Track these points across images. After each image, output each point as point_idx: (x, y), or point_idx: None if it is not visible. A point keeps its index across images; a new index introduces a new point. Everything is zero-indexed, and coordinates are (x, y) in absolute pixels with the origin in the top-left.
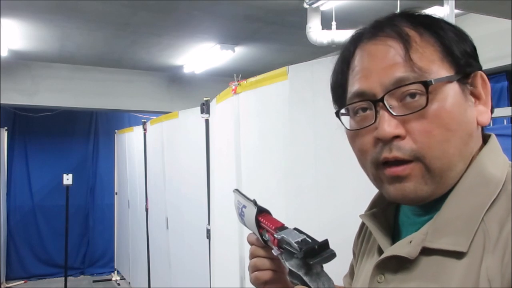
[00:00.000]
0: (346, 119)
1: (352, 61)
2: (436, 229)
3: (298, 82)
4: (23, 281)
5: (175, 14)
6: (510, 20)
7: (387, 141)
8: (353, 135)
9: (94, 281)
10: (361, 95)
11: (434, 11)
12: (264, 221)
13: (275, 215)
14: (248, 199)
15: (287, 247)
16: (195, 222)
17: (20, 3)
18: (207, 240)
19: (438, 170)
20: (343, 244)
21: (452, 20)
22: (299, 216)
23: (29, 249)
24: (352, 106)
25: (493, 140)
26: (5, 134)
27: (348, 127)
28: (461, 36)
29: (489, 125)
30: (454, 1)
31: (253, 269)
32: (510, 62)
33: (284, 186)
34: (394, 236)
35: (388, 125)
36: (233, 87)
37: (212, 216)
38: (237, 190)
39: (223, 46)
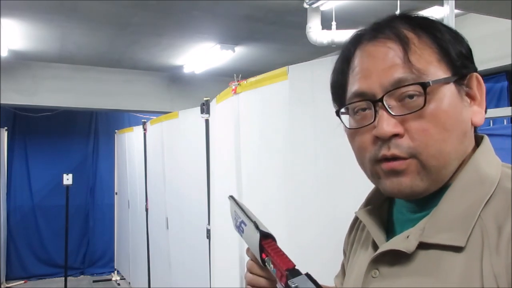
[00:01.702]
0: (345, 118)
1: (352, 61)
2: (433, 224)
3: (298, 82)
4: (23, 281)
5: (175, 14)
6: (510, 20)
7: (386, 139)
8: (353, 133)
9: (94, 281)
10: (361, 95)
11: (434, 11)
12: (272, 253)
13: (276, 215)
14: (248, 216)
15: None
16: (195, 222)
17: (20, 3)
18: (207, 240)
19: (434, 168)
20: (343, 243)
21: (452, 20)
22: (299, 216)
23: (29, 249)
24: (352, 105)
25: (486, 141)
26: (5, 134)
27: (348, 126)
28: (457, 38)
29: (489, 125)
30: (454, 1)
31: (248, 283)
32: (510, 62)
33: (284, 186)
34: (388, 232)
35: (387, 124)
36: (233, 87)
37: (212, 216)
38: (232, 197)
39: (223, 46)
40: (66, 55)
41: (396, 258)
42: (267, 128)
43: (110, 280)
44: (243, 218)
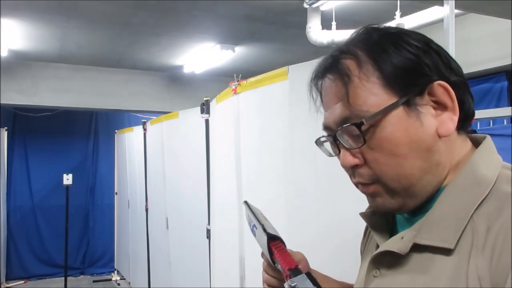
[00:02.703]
0: (328, 144)
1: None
2: (427, 226)
3: (298, 82)
4: (23, 281)
5: (175, 14)
6: (510, 20)
7: (349, 169)
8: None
9: (94, 281)
10: (326, 129)
11: (435, 11)
12: (277, 253)
13: (276, 215)
14: (258, 220)
15: None
16: (195, 222)
17: (20, 3)
18: (207, 240)
19: (399, 189)
20: (343, 244)
21: (452, 20)
22: (299, 216)
23: (29, 249)
24: (324, 137)
25: (487, 142)
26: (5, 134)
27: (328, 152)
28: (410, 56)
29: (489, 125)
30: (454, 1)
31: (264, 282)
32: (510, 62)
33: (284, 186)
34: (392, 233)
35: (345, 157)
36: (233, 87)
37: (212, 216)
38: (246, 202)
39: (223, 46)
40: (66, 55)
41: (394, 258)
42: (267, 128)
43: (110, 280)
44: (255, 222)
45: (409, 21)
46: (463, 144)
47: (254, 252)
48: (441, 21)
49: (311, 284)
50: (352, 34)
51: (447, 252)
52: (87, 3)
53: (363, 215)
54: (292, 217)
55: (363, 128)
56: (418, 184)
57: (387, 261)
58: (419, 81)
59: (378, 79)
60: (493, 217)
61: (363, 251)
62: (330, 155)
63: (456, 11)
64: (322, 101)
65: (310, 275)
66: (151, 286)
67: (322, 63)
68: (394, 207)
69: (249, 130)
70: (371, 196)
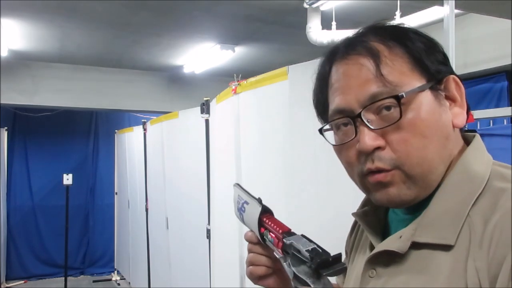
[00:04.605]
0: (330, 134)
1: (329, 78)
2: (424, 224)
3: (298, 82)
4: (23, 281)
5: (175, 14)
6: (510, 20)
7: (369, 153)
8: (339, 149)
9: (94, 281)
10: (341, 112)
11: (435, 11)
12: (270, 222)
13: (276, 214)
14: (252, 196)
15: (295, 253)
16: (195, 222)
17: (20, 3)
18: (207, 240)
19: (419, 176)
20: (342, 243)
21: (452, 20)
22: (299, 215)
23: (29, 249)
24: (333, 122)
25: (477, 140)
26: (5, 134)
27: (333, 142)
28: (430, 45)
29: (489, 125)
30: (454, 1)
31: (249, 264)
32: (510, 62)
33: (284, 186)
34: (384, 232)
35: (368, 139)
36: (233, 87)
37: (212, 216)
38: (238, 184)
39: (223, 46)
40: (66, 55)
41: (391, 258)
42: (267, 128)
43: (110, 280)
44: (246, 199)
45: (409, 21)
46: (458, 141)
47: None
48: (441, 21)
49: (308, 241)
50: (359, 31)
51: (446, 248)
52: (87, 3)
53: (355, 215)
54: (292, 217)
55: (403, 101)
56: (435, 172)
57: (383, 260)
58: (443, 69)
59: (408, 60)
60: (488, 213)
61: (350, 251)
62: (335, 144)
63: (456, 11)
64: (332, 87)
65: (305, 236)
66: (151, 286)
67: (341, 43)
68: (407, 199)
69: (249, 130)
70: (384, 186)
